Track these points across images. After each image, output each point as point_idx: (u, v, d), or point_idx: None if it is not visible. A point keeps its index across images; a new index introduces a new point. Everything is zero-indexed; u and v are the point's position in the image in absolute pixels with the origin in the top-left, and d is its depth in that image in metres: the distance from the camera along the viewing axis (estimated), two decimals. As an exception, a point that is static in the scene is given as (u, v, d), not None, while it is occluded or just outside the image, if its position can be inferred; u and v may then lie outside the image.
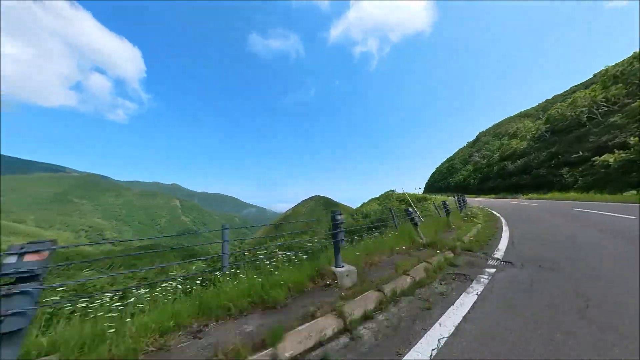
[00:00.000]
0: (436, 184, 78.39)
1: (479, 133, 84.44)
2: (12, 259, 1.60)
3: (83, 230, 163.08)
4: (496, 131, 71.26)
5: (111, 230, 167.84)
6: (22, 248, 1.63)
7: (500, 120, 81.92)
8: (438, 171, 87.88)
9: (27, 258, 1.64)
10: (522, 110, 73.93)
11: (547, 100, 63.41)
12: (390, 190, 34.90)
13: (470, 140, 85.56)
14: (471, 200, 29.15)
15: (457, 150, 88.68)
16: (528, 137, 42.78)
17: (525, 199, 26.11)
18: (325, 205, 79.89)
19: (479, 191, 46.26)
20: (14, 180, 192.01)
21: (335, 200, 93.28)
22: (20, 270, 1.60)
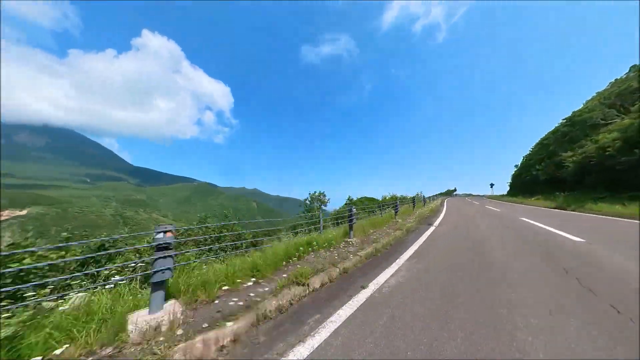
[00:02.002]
0: (521, 177, 36.39)
1: (635, 66, 26.17)
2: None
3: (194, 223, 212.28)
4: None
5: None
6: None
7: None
8: (532, 153, 34.42)
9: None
10: None
11: None
12: (450, 189, 18.71)
13: (605, 87, 29.48)
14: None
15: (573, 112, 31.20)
16: None
17: None
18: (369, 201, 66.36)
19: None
20: (166, 189, 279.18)
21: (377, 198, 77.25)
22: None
